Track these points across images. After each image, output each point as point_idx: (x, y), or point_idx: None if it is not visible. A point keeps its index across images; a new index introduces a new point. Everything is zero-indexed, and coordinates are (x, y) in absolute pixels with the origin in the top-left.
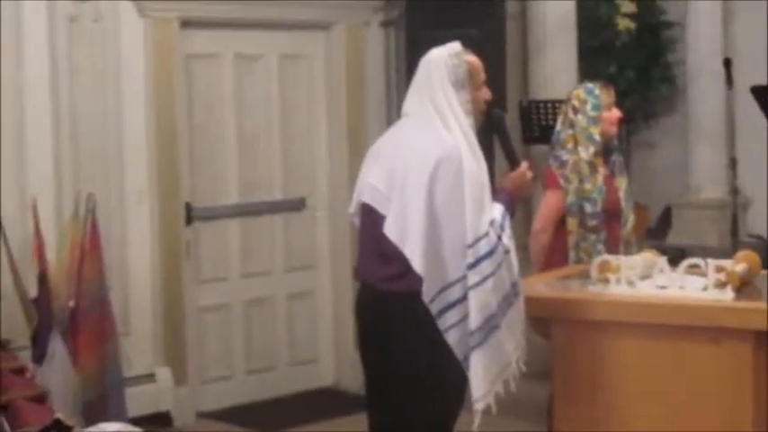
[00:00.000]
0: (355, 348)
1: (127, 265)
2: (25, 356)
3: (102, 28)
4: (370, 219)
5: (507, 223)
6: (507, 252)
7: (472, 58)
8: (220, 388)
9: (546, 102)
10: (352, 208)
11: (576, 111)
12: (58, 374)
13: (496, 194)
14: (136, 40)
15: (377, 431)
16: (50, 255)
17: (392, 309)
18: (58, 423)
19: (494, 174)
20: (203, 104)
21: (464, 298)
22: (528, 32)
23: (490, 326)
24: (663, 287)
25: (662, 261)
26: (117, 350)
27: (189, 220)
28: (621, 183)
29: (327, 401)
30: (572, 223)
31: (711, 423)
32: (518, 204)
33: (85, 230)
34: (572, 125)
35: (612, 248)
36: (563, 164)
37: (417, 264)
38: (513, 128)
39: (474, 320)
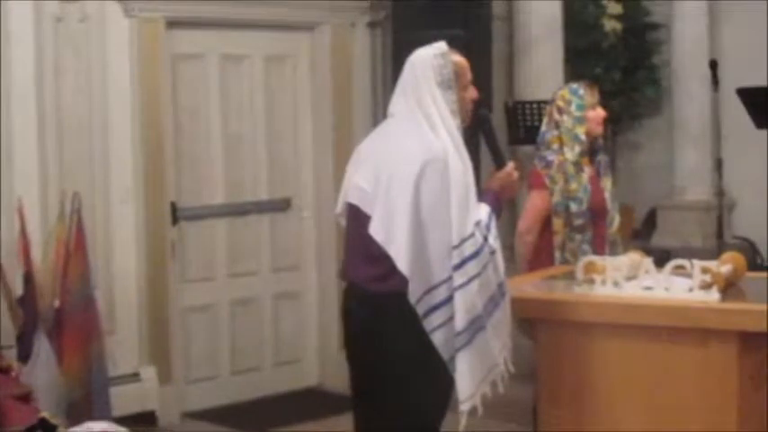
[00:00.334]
0: (340, 349)
1: (112, 265)
2: (11, 355)
3: (88, 28)
4: (357, 219)
5: (493, 224)
6: (493, 253)
7: (458, 59)
8: (206, 388)
9: (532, 102)
10: (339, 208)
11: (560, 111)
12: (43, 373)
13: (483, 195)
14: (121, 41)
15: (362, 431)
16: (36, 254)
17: (378, 309)
18: (43, 422)
19: (480, 174)
20: (189, 105)
21: (450, 299)
22: (514, 33)
23: (476, 327)
24: (648, 288)
25: (648, 262)
26: (102, 349)
27: (175, 219)
28: (607, 183)
29: (312, 402)
30: (558, 224)
31: (697, 424)
32: (504, 205)
33: (71, 230)
34: (557, 126)
35: (598, 248)
36: (548, 164)
37: (403, 265)
38: (498, 129)
39: (460, 321)
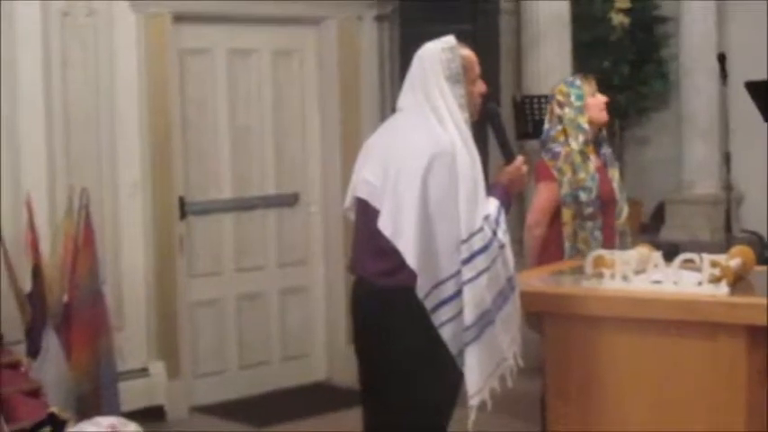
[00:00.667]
0: (348, 343)
1: (120, 260)
2: (19, 351)
3: (95, 23)
4: (365, 214)
5: (502, 218)
6: (502, 247)
7: (467, 52)
8: (214, 382)
9: (540, 97)
10: (347, 203)
11: (561, 105)
12: (52, 369)
13: (491, 189)
14: (129, 36)
15: (371, 426)
16: (44, 249)
17: (387, 303)
18: (52, 417)
19: (489, 168)
20: (196, 99)
21: (458, 293)
22: (522, 28)
23: (485, 321)
24: (657, 282)
25: (657, 256)
26: (111, 344)
27: (182, 214)
28: (614, 173)
29: (320, 396)
30: (567, 214)
31: (706, 418)
32: (513, 199)
33: (79, 225)
34: (560, 120)
35: (608, 239)
36: (555, 156)
37: (411, 259)
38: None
39: (468, 316)
